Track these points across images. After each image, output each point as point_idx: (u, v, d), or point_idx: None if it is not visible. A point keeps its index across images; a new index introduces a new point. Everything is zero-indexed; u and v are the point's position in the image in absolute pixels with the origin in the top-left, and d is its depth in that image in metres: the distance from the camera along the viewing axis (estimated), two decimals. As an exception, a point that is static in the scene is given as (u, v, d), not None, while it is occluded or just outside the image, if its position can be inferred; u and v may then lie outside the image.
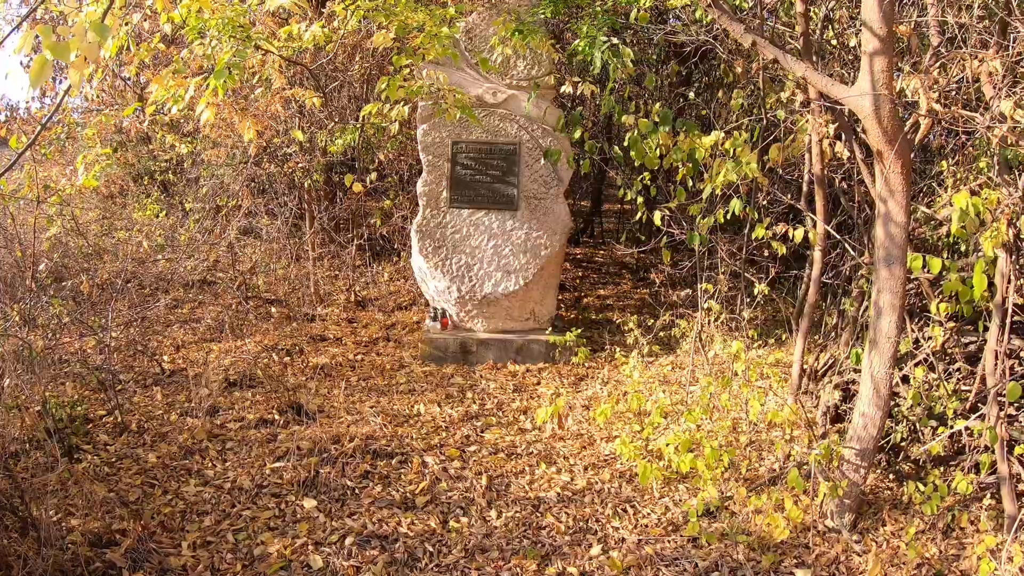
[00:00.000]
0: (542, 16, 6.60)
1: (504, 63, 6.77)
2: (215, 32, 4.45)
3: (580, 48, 6.33)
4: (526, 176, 6.99)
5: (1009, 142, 4.13)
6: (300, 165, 8.14)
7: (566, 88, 6.58)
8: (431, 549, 3.88)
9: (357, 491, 4.38)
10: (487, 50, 6.71)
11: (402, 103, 6.14)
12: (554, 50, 6.55)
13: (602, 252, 10.88)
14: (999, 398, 4.21)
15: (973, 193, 4.11)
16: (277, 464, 4.60)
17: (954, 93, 4.53)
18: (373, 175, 8.50)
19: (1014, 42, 4.23)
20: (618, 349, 6.70)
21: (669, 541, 4.14)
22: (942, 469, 4.66)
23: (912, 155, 4.07)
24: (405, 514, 4.18)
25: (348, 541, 3.88)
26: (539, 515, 4.32)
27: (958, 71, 4.33)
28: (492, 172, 7.00)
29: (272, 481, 4.42)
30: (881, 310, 4.05)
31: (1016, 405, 4.56)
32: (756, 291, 5.57)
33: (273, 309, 7.77)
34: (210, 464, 4.62)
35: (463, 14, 6.41)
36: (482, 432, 5.38)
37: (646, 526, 4.28)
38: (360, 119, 7.68)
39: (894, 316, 4.01)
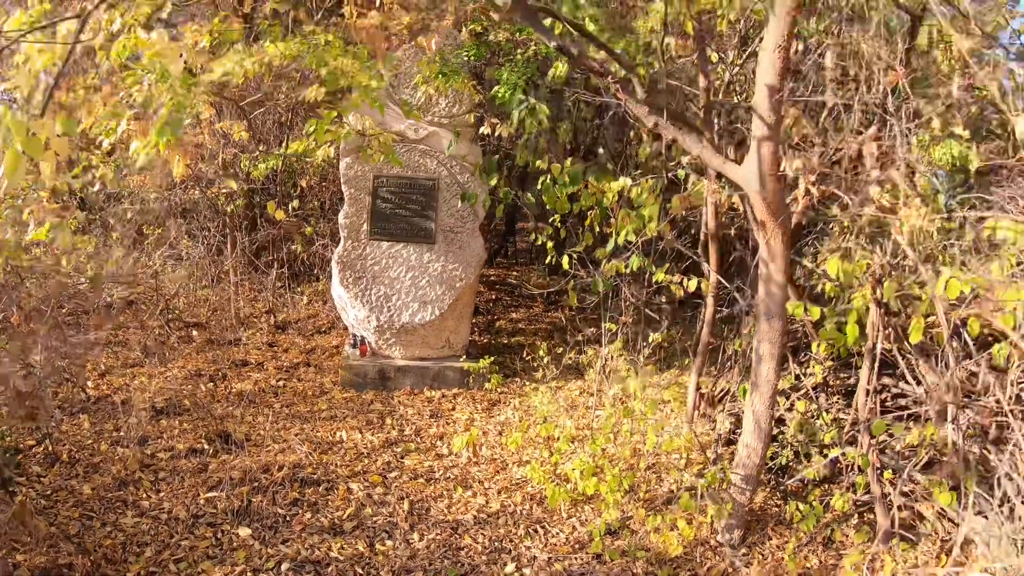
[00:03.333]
0: (465, 57, 6.97)
1: (427, 101, 7.08)
2: (154, 79, 4.62)
3: (500, 94, 6.75)
4: (443, 211, 7.33)
5: (873, 221, 4.73)
6: (224, 190, 8.31)
7: (485, 129, 6.96)
8: (361, 572, 4.20)
9: (288, 518, 4.66)
10: (411, 87, 7.02)
11: (327, 144, 6.42)
12: (475, 91, 6.90)
13: (515, 273, 11.27)
14: (869, 429, 4.82)
15: (844, 258, 4.71)
16: (211, 494, 4.83)
17: (836, 165, 5.10)
18: (295, 203, 8.72)
19: (889, 129, 4.81)
20: (527, 383, 7.09)
21: (576, 558, 4.54)
22: (826, 487, 5.20)
23: (794, 223, 4.62)
24: (335, 539, 4.48)
25: (284, 567, 4.16)
26: (458, 536, 4.68)
27: (842, 145, 4.91)
28: (411, 206, 7.31)
29: (207, 511, 4.65)
30: (761, 357, 4.59)
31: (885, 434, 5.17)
32: (651, 339, 6.08)
33: (195, 332, 7.92)
34: (145, 495, 4.82)
35: (395, 66, 6.70)
36: (402, 458, 5.69)
37: (555, 545, 4.68)
38: (284, 146, 7.89)
39: (772, 363, 4.55)
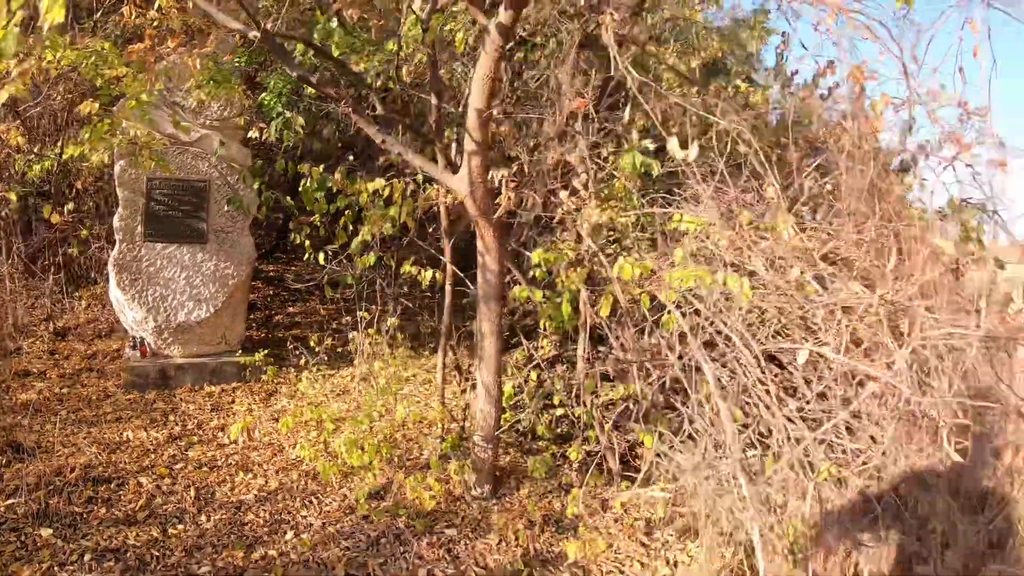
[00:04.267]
0: (237, 64, 7.42)
1: (199, 104, 7.43)
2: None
3: (267, 101, 7.31)
4: (215, 212, 7.78)
5: (569, 218, 5.82)
6: (-1, 193, 8.31)
7: (253, 134, 7.45)
8: (157, 554, 4.74)
9: (85, 515, 5.10)
10: (185, 91, 7.29)
11: (102, 150, 6.69)
12: (245, 96, 7.34)
13: (294, 269, 11.62)
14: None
15: (548, 249, 5.77)
16: (9, 501, 5.15)
17: (540, 173, 6.16)
18: (71, 205, 8.80)
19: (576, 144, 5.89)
20: (293, 371, 7.74)
21: (347, 521, 5.30)
22: (569, 443, 6.15)
23: (498, 220, 5.58)
24: (130, 529, 4.98)
25: (87, 558, 4.62)
26: (242, 514, 5.29)
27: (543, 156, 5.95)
28: (184, 208, 7.70)
29: (8, 517, 4.98)
30: (484, 334, 5.53)
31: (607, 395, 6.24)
32: (389, 323, 6.94)
33: (-30, 345, 8.00)
34: (-56, 512, 5.05)
35: (168, 70, 6.98)
36: (187, 450, 6.18)
37: (329, 512, 5.40)
38: (60, 147, 7.95)
39: (493, 338, 5.49)
